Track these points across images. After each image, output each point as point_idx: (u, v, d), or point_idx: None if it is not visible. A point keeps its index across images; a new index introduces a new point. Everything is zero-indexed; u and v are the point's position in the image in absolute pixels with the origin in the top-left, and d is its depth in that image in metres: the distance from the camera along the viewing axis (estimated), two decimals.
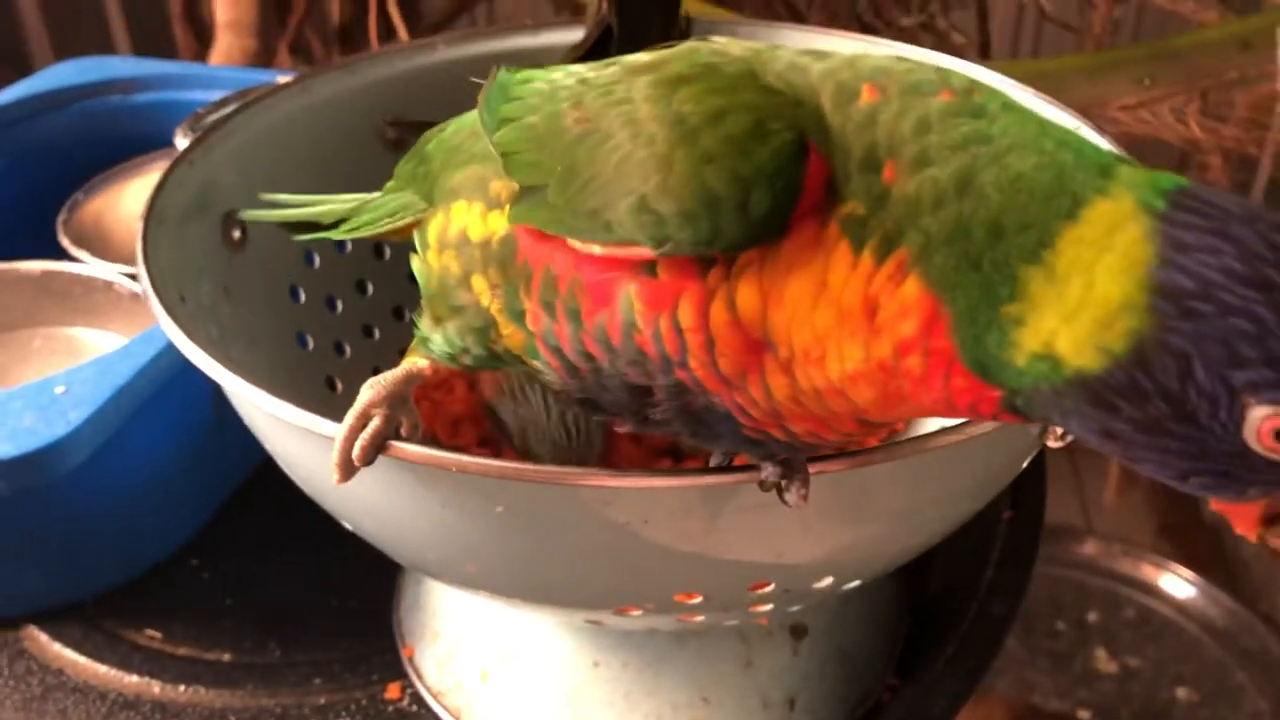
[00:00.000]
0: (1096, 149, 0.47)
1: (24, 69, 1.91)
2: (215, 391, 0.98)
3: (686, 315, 0.51)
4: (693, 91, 0.51)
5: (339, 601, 0.96)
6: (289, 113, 0.89)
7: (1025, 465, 0.71)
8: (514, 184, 0.57)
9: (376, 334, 0.95)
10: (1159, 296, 0.42)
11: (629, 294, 0.52)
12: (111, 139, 1.26)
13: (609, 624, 0.70)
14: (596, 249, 0.52)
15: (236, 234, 0.83)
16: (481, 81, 0.63)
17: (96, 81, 1.27)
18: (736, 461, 0.59)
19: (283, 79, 0.91)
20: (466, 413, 0.92)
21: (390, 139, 0.96)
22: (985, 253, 0.45)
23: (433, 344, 0.63)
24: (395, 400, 0.58)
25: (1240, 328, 0.41)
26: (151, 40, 2.12)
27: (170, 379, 0.88)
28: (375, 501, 0.62)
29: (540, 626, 0.83)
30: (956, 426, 0.57)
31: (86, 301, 1.12)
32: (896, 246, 0.47)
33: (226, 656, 0.92)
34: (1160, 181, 0.44)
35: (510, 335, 0.58)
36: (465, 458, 0.55)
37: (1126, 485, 2.30)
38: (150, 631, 0.93)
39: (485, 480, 0.56)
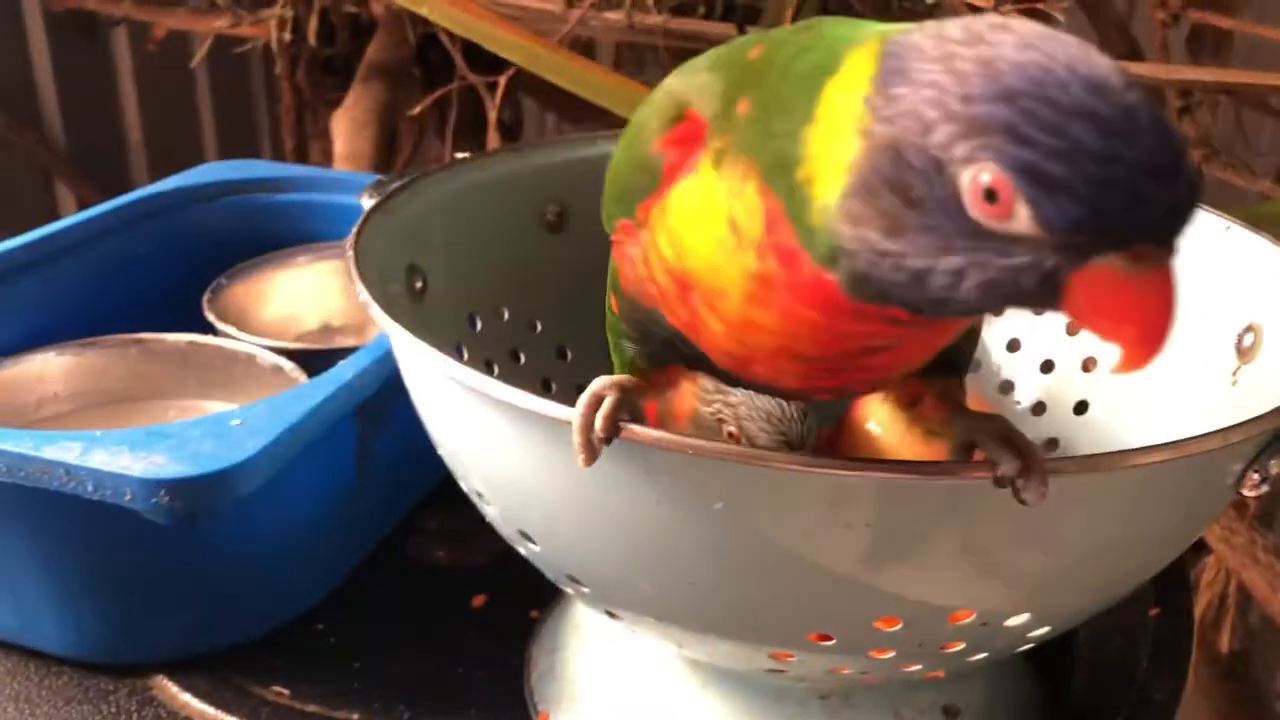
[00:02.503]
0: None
1: None
2: (359, 452, 1.00)
3: (640, 268, 0.60)
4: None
5: (466, 671, 0.95)
6: (464, 185, 0.94)
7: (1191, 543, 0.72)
8: None
9: None
10: (874, 95, 0.45)
11: (629, 259, 0.62)
12: (255, 232, 1.32)
13: (793, 663, 0.69)
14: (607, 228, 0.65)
15: (419, 284, 0.87)
16: None
17: (244, 179, 1.34)
18: (976, 457, 0.59)
19: (460, 155, 0.97)
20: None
21: (550, 221, 1.01)
22: (784, 131, 0.49)
23: (618, 367, 0.68)
24: (623, 385, 0.60)
25: (926, 97, 0.43)
26: None
27: (331, 427, 0.90)
28: (588, 497, 0.62)
29: (691, 687, 0.81)
30: (1172, 444, 0.58)
31: (226, 374, 1.15)
32: (741, 157, 0.52)
33: (355, 717, 0.90)
34: (913, 24, 0.47)
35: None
36: (701, 441, 0.56)
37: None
38: (278, 689, 0.92)
39: (713, 469, 0.57)
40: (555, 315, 1.00)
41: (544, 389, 0.99)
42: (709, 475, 0.58)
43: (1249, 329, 0.82)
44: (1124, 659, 0.89)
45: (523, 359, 0.98)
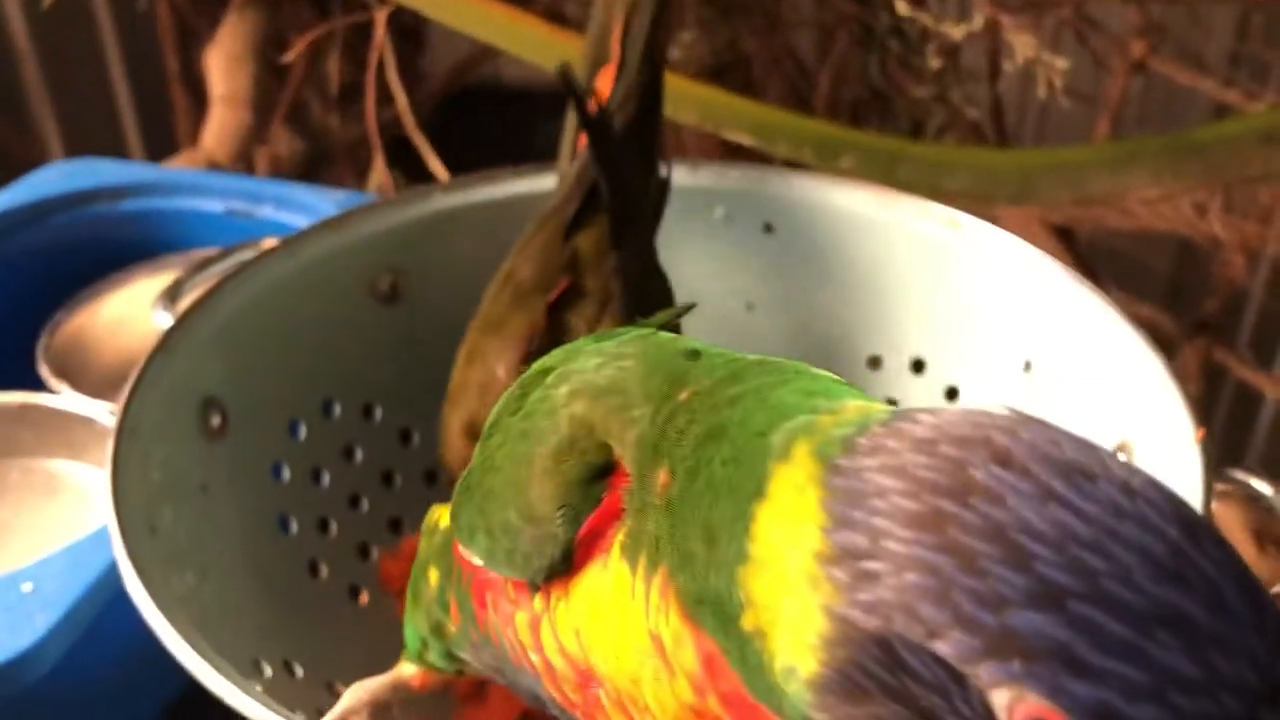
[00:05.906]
0: (811, 393, 0.39)
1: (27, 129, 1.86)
2: None
3: (525, 634, 0.48)
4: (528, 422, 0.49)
5: None
6: (275, 279, 0.85)
7: None
8: None
9: (364, 504, 0.90)
10: (832, 564, 0.34)
11: (494, 601, 0.51)
12: (95, 249, 1.21)
13: None
14: (463, 550, 0.52)
15: (216, 421, 0.79)
16: None
17: (80, 191, 1.22)
18: None
19: (269, 242, 0.87)
20: None
21: (383, 292, 0.92)
22: (708, 559, 0.38)
23: (408, 640, 0.60)
24: (377, 709, 0.55)
25: (917, 585, 0.32)
26: (154, 106, 2.06)
27: None
28: None
29: None
30: None
31: (65, 435, 1.07)
32: (659, 566, 0.41)
33: None
34: (849, 419, 0.36)
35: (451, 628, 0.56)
36: None
37: None
38: None
39: None
40: (395, 397, 0.92)
41: (384, 482, 0.92)
42: None
43: (1120, 448, 0.76)
44: None
45: (359, 456, 0.90)
